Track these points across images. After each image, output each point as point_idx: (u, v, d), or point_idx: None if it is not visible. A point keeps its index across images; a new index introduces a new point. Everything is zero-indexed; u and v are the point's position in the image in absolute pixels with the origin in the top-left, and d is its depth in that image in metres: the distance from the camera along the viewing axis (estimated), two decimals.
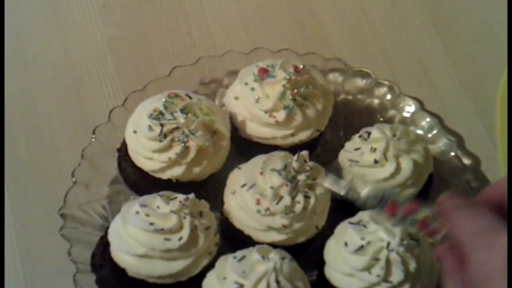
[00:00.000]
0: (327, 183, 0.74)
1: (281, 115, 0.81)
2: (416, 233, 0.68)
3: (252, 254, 0.71)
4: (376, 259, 0.71)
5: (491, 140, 0.93)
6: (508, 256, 0.46)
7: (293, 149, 0.80)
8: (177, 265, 0.73)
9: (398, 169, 0.79)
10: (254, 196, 0.75)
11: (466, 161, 0.90)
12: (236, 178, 0.78)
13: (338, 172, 0.80)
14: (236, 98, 0.84)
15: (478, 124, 0.95)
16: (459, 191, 0.84)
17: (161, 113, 0.77)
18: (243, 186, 0.76)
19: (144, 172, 0.79)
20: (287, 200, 0.74)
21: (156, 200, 0.73)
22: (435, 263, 0.72)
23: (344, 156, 0.82)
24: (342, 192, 0.72)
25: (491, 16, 1.04)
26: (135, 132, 0.79)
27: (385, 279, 0.71)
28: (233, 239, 0.78)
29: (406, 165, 0.79)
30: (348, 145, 0.83)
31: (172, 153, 0.77)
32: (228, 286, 0.69)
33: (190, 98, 0.80)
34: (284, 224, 0.75)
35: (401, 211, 0.63)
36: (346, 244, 0.72)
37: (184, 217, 0.72)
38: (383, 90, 0.93)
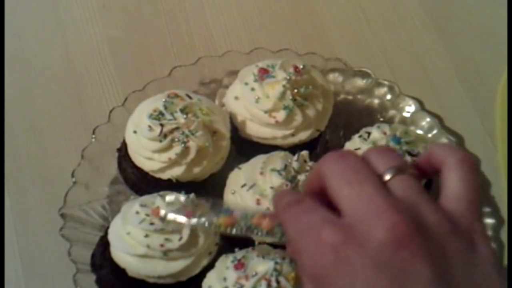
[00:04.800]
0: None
1: (281, 115, 0.81)
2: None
3: (252, 254, 0.71)
4: None
5: (491, 140, 0.93)
6: (508, 256, 0.46)
7: (293, 149, 0.80)
8: (177, 265, 0.73)
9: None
10: (254, 196, 0.75)
11: None
12: (236, 178, 0.78)
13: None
14: (236, 98, 0.84)
15: (478, 124, 0.95)
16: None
17: (161, 113, 0.77)
18: (243, 186, 0.76)
19: (144, 172, 0.79)
20: None
21: (156, 200, 0.73)
22: None
23: None
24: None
25: (491, 16, 1.04)
26: (135, 132, 0.79)
27: None
28: (233, 239, 0.78)
29: None
30: (348, 145, 0.83)
31: (172, 153, 0.77)
32: (228, 286, 0.69)
33: (190, 98, 0.80)
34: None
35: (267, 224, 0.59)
36: None
37: None
38: (383, 90, 0.93)
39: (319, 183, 0.50)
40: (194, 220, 0.64)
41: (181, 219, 0.66)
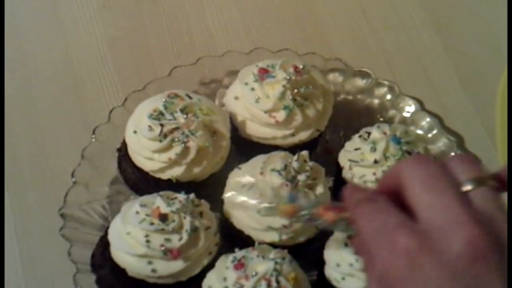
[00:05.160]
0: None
1: (281, 115, 0.81)
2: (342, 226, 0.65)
3: (252, 254, 0.71)
4: None
5: (491, 140, 0.93)
6: (508, 256, 0.45)
7: (293, 149, 0.80)
8: (177, 265, 0.73)
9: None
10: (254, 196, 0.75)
11: None
12: (236, 178, 0.78)
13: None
14: (236, 98, 0.84)
15: (478, 124, 0.95)
16: None
17: (161, 113, 0.77)
18: (243, 186, 0.76)
19: (144, 172, 0.79)
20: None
21: (156, 200, 0.73)
22: None
23: (344, 156, 0.82)
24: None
25: (491, 16, 1.04)
26: (135, 132, 0.79)
27: None
28: (233, 239, 0.78)
29: None
30: (348, 145, 0.83)
31: (172, 153, 0.77)
32: (228, 286, 0.69)
33: (190, 98, 0.80)
34: (284, 224, 0.75)
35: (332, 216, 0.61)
36: (346, 244, 0.72)
37: (184, 217, 0.72)
38: (383, 90, 0.93)
39: (394, 184, 0.50)
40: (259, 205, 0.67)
41: (252, 202, 0.69)
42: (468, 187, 0.48)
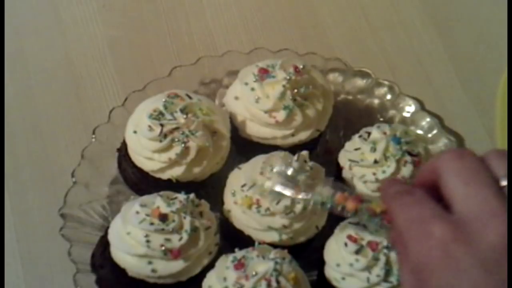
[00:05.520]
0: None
1: (281, 115, 0.81)
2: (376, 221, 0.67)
3: (252, 254, 0.71)
4: (376, 259, 0.71)
5: (491, 140, 0.93)
6: (508, 256, 0.46)
7: (293, 149, 0.80)
8: (177, 265, 0.73)
9: (398, 169, 0.79)
10: (254, 196, 0.75)
11: None
12: (236, 178, 0.78)
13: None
14: (236, 98, 0.84)
15: (478, 124, 0.95)
16: None
17: (161, 113, 0.77)
18: (243, 186, 0.76)
19: (144, 172, 0.79)
20: (287, 200, 0.74)
21: (156, 200, 0.73)
22: None
23: (344, 156, 0.82)
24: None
25: (491, 16, 1.04)
26: (135, 132, 0.79)
27: (385, 279, 0.71)
28: (233, 239, 0.78)
29: (406, 165, 0.79)
30: (348, 145, 0.83)
31: (172, 153, 0.77)
32: (228, 286, 0.69)
33: (190, 98, 0.80)
34: (284, 224, 0.75)
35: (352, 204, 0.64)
36: (346, 244, 0.72)
37: (184, 217, 0.72)
38: (383, 90, 0.93)
39: (432, 177, 0.51)
40: (301, 195, 0.69)
41: (288, 192, 0.70)
42: (505, 182, 0.48)
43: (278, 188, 0.70)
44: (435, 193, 0.50)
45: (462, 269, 0.45)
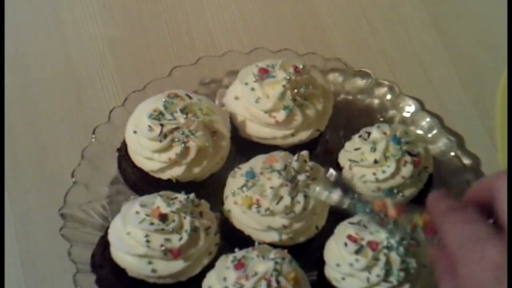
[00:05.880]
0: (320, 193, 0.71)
1: (281, 115, 0.81)
2: (416, 234, 0.67)
3: (252, 254, 0.71)
4: (376, 259, 0.71)
5: (491, 140, 0.93)
6: (508, 257, 0.46)
7: (293, 149, 0.80)
8: (177, 265, 0.73)
9: (398, 169, 0.79)
10: (254, 196, 0.75)
11: (466, 161, 0.90)
12: (236, 178, 0.78)
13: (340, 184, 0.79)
14: (236, 98, 0.84)
15: (478, 124, 0.95)
16: (459, 191, 0.84)
17: (161, 113, 0.77)
18: (243, 186, 0.76)
19: (144, 172, 0.79)
20: (287, 200, 0.74)
21: (156, 200, 0.73)
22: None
23: (344, 156, 0.82)
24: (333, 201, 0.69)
25: (491, 16, 1.04)
26: (135, 132, 0.79)
27: (385, 279, 0.71)
28: (233, 239, 0.78)
29: (406, 165, 0.79)
30: (348, 145, 0.83)
31: (172, 153, 0.77)
32: (228, 286, 0.69)
33: (190, 98, 0.80)
34: (284, 224, 0.75)
35: (394, 213, 0.62)
36: (346, 244, 0.72)
37: (184, 217, 0.72)
38: (383, 90, 0.93)
39: (485, 196, 0.50)
40: (347, 201, 0.66)
41: (335, 196, 0.67)
42: None
43: (324, 194, 0.69)
44: (485, 212, 0.50)
45: None
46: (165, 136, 0.77)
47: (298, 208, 0.74)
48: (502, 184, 0.49)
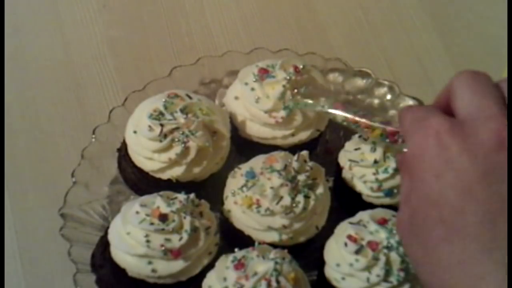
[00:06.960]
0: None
1: (281, 115, 0.81)
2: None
3: (252, 254, 0.71)
4: (376, 259, 0.71)
5: None
6: (508, 256, 0.46)
7: (293, 149, 0.80)
8: (177, 265, 0.73)
9: (398, 169, 0.79)
10: (254, 196, 0.75)
11: None
12: (236, 178, 0.78)
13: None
14: (236, 98, 0.84)
15: None
16: None
17: (161, 113, 0.77)
18: (243, 186, 0.76)
19: (144, 172, 0.79)
20: (287, 200, 0.74)
21: (156, 200, 0.73)
22: None
23: (344, 156, 0.82)
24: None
25: (491, 16, 1.04)
26: (135, 132, 0.79)
27: (385, 279, 0.71)
28: (233, 239, 0.78)
29: None
30: (348, 145, 0.83)
31: (172, 153, 0.77)
32: (228, 286, 0.69)
33: (190, 98, 0.80)
34: (284, 224, 0.75)
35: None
36: (346, 244, 0.72)
37: (184, 217, 0.72)
38: (383, 90, 0.93)
39: (446, 98, 0.53)
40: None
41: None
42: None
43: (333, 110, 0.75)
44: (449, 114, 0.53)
45: (451, 156, 0.49)
46: (165, 136, 0.77)
47: (298, 208, 0.74)
48: (459, 79, 0.53)
